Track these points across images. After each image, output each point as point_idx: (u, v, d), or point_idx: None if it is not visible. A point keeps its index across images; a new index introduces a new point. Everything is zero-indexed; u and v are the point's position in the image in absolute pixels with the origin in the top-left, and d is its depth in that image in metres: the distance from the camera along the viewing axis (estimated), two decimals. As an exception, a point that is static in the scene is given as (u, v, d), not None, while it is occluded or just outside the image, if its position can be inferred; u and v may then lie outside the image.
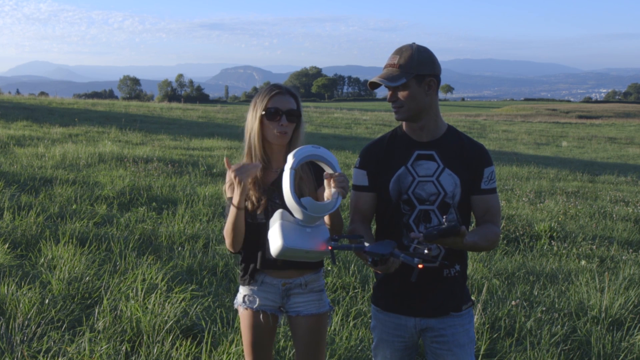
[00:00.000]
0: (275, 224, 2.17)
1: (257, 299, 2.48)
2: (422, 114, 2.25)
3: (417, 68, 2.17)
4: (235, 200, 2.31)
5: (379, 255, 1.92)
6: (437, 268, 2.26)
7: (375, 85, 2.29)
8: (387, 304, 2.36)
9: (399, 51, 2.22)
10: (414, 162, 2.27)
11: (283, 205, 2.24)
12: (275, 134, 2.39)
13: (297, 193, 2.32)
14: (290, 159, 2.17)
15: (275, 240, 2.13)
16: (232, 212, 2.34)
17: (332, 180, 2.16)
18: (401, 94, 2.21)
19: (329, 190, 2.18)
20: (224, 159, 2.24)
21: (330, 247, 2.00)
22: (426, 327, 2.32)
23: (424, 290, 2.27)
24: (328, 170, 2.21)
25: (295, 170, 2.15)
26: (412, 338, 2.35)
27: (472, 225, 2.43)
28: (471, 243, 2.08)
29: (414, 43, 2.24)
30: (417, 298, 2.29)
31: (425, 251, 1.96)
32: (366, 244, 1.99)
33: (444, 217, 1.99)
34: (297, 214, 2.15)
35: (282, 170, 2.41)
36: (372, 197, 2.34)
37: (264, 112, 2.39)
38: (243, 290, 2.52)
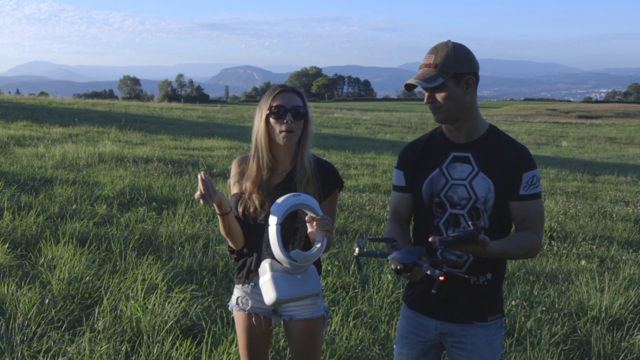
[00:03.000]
0: (266, 275, 2.23)
1: (250, 302, 2.47)
2: (462, 114, 2.16)
3: (454, 67, 2.08)
4: (217, 210, 2.30)
5: (402, 264, 1.92)
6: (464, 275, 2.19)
7: (411, 87, 2.18)
8: (413, 302, 2.33)
9: (435, 50, 2.12)
10: (449, 164, 2.20)
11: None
12: (281, 134, 2.33)
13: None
14: (273, 213, 2.18)
15: (268, 293, 2.20)
16: (219, 219, 2.33)
17: (315, 224, 2.17)
18: (439, 95, 2.12)
19: (312, 229, 2.21)
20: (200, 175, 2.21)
21: (355, 254, 2.01)
22: (447, 332, 2.27)
23: (448, 295, 2.20)
24: (310, 214, 2.21)
25: (281, 225, 2.16)
26: (432, 339, 2.30)
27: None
28: (499, 251, 2.00)
29: (450, 41, 2.15)
30: (441, 302, 2.23)
31: (456, 258, 1.93)
32: (391, 252, 1.98)
33: (470, 222, 1.93)
34: (287, 264, 2.20)
35: (288, 172, 2.41)
36: (409, 198, 2.29)
37: (268, 112, 2.34)
38: (237, 292, 2.52)
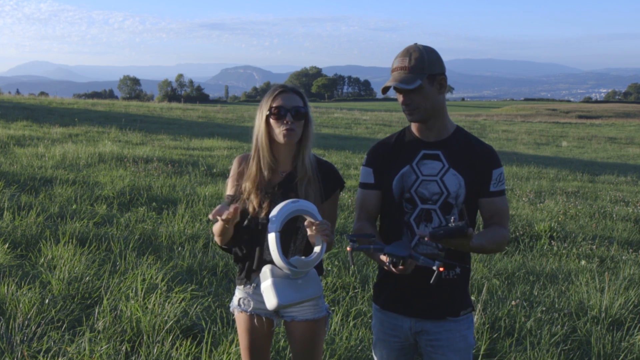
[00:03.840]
0: (267, 281, 2.24)
1: (252, 303, 2.47)
2: (434, 114, 2.23)
3: (429, 68, 2.15)
4: (217, 231, 2.33)
5: (399, 257, 1.93)
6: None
7: (387, 90, 2.24)
8: (386, 302, 2.36)
9: (407, 53, 2.18)
10: (419, 162, 2.25)
11: None
12: (282, 133, 2.32)
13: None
14: (272, 221, 2.18)
15: (270, 298, 2.21)
16: (219, 224, 2.31)
17: (314, 229, 2.17)
18: (416, 96, 2.18)
19: (312, 234, 2.21)
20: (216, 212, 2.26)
21: (349, 249, 2.02)
22: (421, 330, 2.29)
23: (421, 292, 2.23)
24: (309, 219, 2.20)
25: (280, 233, 2.17)
26: (407, 339, 2.34)
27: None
28: (478, 245, 2.06)
29: (417, 43, 2.22)
30: (414, 299, 2.27)
31: (437, 251, 1.95)
32: (385, 246, 2.00)
33: (452, 217, 1.97)
34: (287, 271, 2.21)
35: (288, 173, 2.41)
36: (377, 195, 2.33)
37: (268, 112, 2.34)
38: (239, 293, 2.52)
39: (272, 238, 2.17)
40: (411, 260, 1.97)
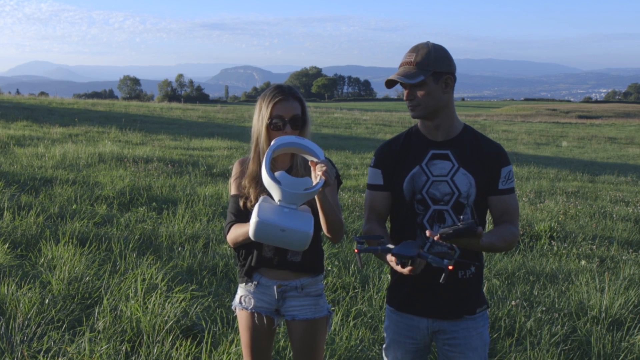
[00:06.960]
0: (255, 206, 2.19)
1: (253, 301, 2.48)
2: (439, 112, 2.22)
3: (434, 65, 2.15)
4: (242, 234, 2.34)
5: (407, 257, 1.92)
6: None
7: (392, 84, 2.25)
8: (401, 304, 2.34)
9: (415, 49, 2.19)
10: (429, 162, 2.25)
11: None
12: None
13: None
14: (272, 143, 2.21)
15: (252, 219, 2.12)
16: (244, 231, 2.33)
17: (313, 168, 2.16)
18: (418, 92, 2.18)
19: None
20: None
21: (356, 250, 2.00)
22: (438, 330, 2.29)
23: (437, 292, 2.23)
24: (312, 159, 2.20)
25: (272, 152, 2.17)
26: (424, 340, 2.33)
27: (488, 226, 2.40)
28: (488, 244, 2.06)
29: (429, 41, 2.22)
30: (431, 299, 2.26)
31: (447, 250, 1.95)
32: (391, 246, 1.99)
33: (461, 217, 1.96)
34: (275, 192, 2.15)
35: (286, 170, 2.44)
36: (387, 197, 2.32)
37: (269, 121, 2.37)
38: (240, 291, 2.54)
39: (264, 156, 2.18)
40: (420, 260, 1.96)
